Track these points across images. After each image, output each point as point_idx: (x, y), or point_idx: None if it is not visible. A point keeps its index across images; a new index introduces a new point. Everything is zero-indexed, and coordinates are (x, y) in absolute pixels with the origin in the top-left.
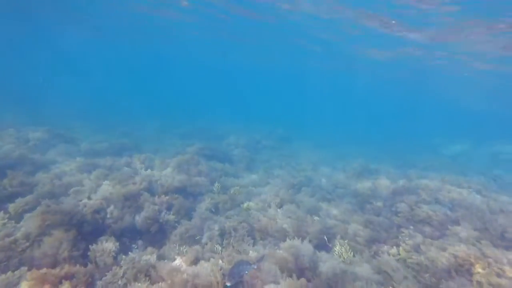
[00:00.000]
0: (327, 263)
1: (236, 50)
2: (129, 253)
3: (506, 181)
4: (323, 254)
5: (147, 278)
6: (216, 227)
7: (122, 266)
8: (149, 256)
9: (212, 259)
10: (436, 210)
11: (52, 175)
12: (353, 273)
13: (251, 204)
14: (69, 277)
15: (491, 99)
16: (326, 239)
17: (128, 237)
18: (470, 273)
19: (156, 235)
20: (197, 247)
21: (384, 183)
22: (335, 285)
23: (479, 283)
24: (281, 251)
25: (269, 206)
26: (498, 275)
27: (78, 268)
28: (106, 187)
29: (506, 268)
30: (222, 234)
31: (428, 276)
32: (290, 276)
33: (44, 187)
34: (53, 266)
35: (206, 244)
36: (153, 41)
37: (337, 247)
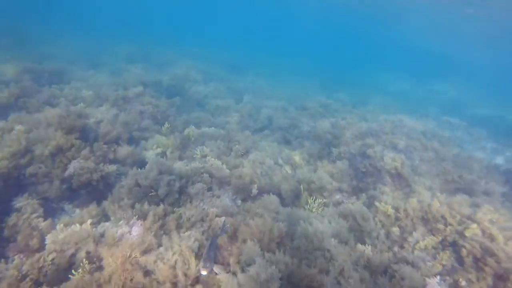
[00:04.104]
0: (303, 226)
1: None
2: (57, 225)
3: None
4: (296, 211)
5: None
6: (174, 180)
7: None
8: (83, 225)
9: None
10: (400, 159)
11: None
12: (328, 232)
13: (206, 149)
14: None
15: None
16: (301, 188)
17: (57, 198)
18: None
19: (93, 193)
20: (154, 209)
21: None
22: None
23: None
24: (257, 215)
25: (230, 149)
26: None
27: None
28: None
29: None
30: (180, 188)
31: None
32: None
33: None
34: None
35: (162, 200)
36: None
37: (309, 201)
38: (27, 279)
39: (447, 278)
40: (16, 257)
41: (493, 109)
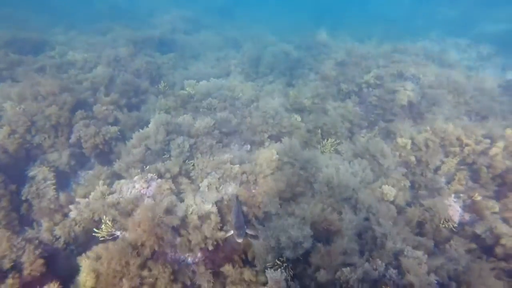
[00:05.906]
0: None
1: None
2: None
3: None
4: (314, 155)
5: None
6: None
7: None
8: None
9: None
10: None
11: None
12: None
13: (214, 101)
14: None
15: None
16: (319, 132)
17: (68, 166)
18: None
19: (101, 156)
20: (168, 167)
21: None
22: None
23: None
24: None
25: (235, 99)
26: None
27: None
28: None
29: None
30: (191, 146)
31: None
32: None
33: None
34: None
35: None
36: None
37: (324, 143)
38: (60, 240)
39: (461, 195)
40: (42, 221)
41: (500, 23)
